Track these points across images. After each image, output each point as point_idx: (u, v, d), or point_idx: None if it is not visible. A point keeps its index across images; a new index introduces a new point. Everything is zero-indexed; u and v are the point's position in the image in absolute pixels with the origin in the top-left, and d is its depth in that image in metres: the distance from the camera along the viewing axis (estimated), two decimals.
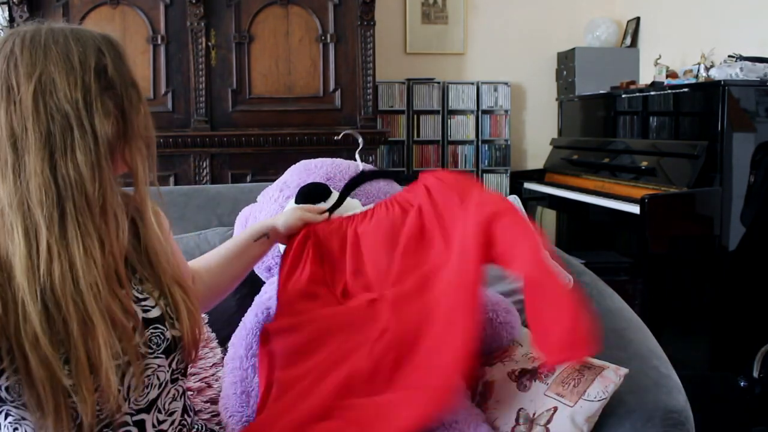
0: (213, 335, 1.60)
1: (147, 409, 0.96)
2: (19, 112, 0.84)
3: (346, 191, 1.49)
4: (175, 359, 0.99)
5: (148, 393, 0.95)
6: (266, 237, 1.36)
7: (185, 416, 1.04)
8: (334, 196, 1.51)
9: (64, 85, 0.86)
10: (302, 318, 1.28)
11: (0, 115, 0.84)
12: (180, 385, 1.03)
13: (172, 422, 1.00)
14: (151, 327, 0.96)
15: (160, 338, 0.96)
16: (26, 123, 0.84)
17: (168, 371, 0.98)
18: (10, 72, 0.85)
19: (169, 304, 0.99)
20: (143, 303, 0.96)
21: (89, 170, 0.86)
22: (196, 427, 1.11)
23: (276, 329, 1.28)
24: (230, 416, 1.37)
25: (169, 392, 0.99)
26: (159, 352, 0.96)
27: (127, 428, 0.93)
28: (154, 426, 0.97)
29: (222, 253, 1.32)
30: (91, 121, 0.87)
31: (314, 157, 1.73)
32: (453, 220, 1.30)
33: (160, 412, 0.98)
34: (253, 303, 1.47)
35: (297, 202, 1.51)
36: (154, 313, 0.97)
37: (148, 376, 0.95)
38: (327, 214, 1.43)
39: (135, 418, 0.94)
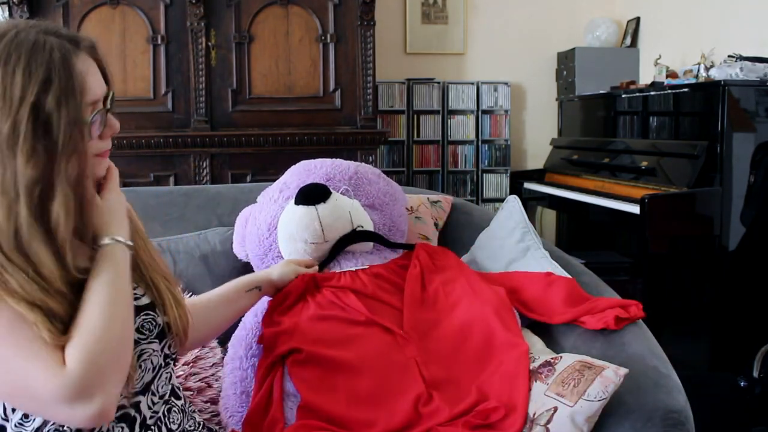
0: None
1: (143, 392, 0.99)
2: None
3: (336, 249, 1.51)
4: (167, 344, 1.04)
5: (143, 376, 0.98)
6: (258, 289, 1.39)
7: (172, 399, 1.08)
8: (334, 197, 1.51)
9: None
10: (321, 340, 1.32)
11: None
12: (170, 370, 1.07)
13: (165, 403, 1.05)
14: (142, 313, 0.99)
15: (152, 324, 1.01)
16: None
17: (161, 356, 1.02)
18: None
19: (155, 294, 1.02)
20: (134, 291, 0.99)
21: (4, 210, 0.83)
22: (194, 416, 1.14)
23: (292, 359, 1.30)
24: (230, 416, 1.37)
25: (161, 376, 1.03)
26: (152, 337, 1.00)
27: (126, 410, 0.96)
28: (149, 407, 1.00)
29: (211, 297, 1.32)
30: (14, 157, 0.82)
31: (314, 157, 1.73)
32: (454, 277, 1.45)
33: (153, 394, 1.02)
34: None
35: (296, 202, 1.51)
36: (144, 300, 1.01)
37: (144, 360, 0.98)
38: (317, 267, 1.48)
39: (132, 400, 0.97)
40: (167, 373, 1.05)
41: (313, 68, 3.55)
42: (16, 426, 0.89)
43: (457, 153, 4.56)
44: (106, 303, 0.87)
